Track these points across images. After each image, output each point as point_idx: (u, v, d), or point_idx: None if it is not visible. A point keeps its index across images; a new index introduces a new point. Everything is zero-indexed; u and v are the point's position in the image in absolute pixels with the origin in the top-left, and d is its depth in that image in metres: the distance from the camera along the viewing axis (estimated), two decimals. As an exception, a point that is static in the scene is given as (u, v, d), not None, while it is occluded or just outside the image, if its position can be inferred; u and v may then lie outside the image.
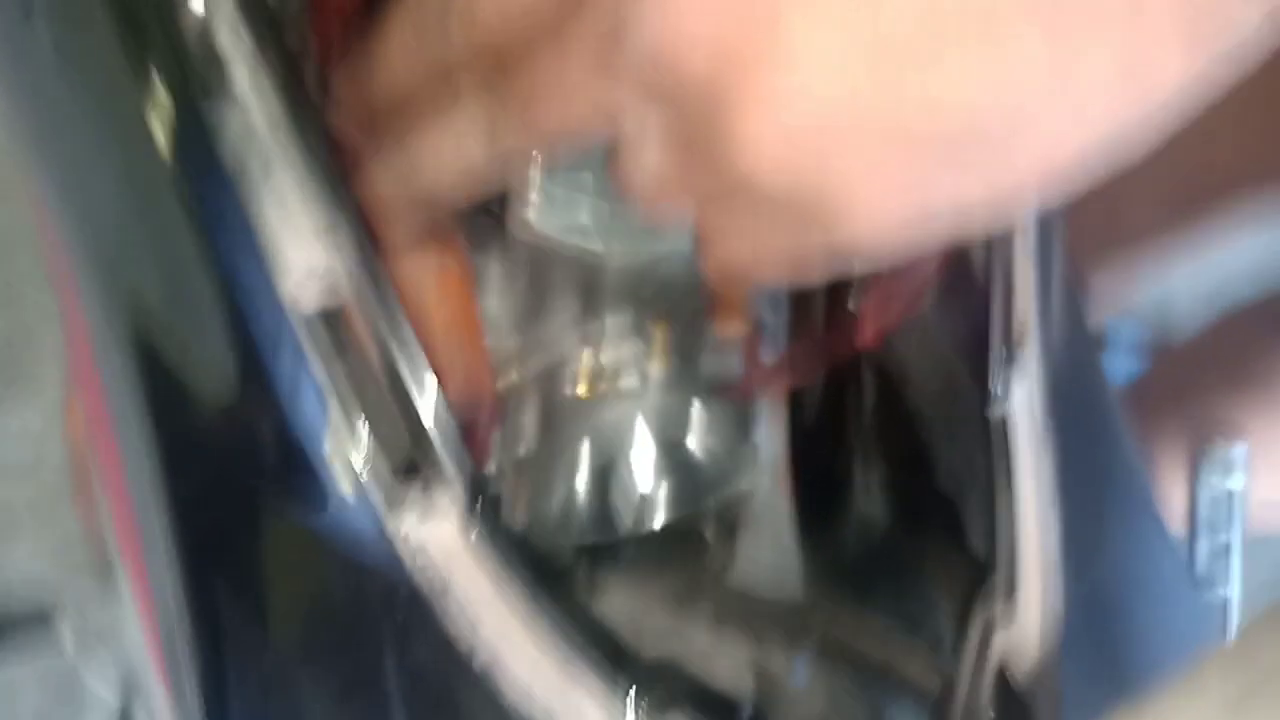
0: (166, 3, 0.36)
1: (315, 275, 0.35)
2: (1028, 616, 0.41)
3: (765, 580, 0.71)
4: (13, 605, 1.15)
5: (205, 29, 0.36)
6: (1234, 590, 0.59)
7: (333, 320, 0.36)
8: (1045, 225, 0.45)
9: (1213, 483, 0.54)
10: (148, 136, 0.37)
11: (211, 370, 0.38)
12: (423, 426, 0.35)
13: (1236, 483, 0.53)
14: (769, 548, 0.74)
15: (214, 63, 0.35)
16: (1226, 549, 0.53)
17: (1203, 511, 0.54)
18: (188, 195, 0.37)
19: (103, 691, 0.94)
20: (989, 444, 0.43)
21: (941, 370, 0.54)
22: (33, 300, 1.22)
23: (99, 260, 0.42)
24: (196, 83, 0.36)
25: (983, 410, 0.43)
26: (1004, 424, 0.42)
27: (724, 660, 0.69)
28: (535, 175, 0.46)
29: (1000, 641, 0.40)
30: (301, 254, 0.35)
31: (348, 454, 0.36)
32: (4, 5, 0.47)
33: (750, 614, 0.61)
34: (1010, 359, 0.42)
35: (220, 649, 0.39)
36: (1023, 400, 0.43)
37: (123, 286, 0.41)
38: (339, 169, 0.36)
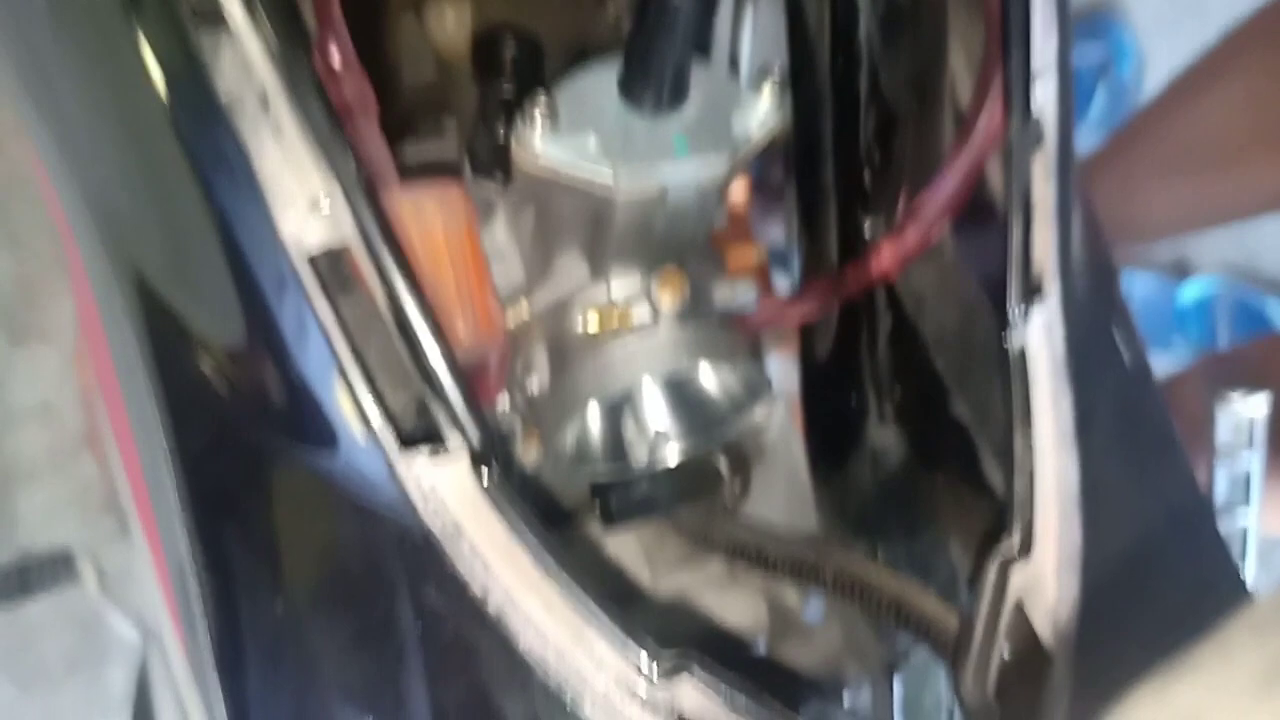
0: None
1: (317, 210, 0.34)
2: (1045, 552, 0.41)
3: (779, 514, 0.71)
4: (35, 547, 1.17)
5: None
6: (1252, 518, 0.58)
7: (335, 260, 0.35)
8: (1065, 158, 0.44)
9: (1233, 410, 0.54)
10: (141, 74, 0.36)
11: (214, 313, 0.37)
12: (431, 367, 0.35)
13: (1256, 410, 0.52)
14: (783, 484, 0.74)
15: (205, -4, 0.34)
16: (1246, 477, 0.53)
17: (1222, 438, 0.53)
18: (184, 133, 0.36)
19: (125, 631, 0.95)
20: (1007, 377, 0.42)
21: (959, 301, 0.53)
22: (44, 244, 1.22)
23: (95, 204, 0.41)
24: (189, 16, 0.35)
25: (1001, 342, 0.42)
26: (1022, 355, 0.41)
27: (737, 593, 0.69)
28: (543, 103, 0.44)
29: (1018, 578, 0.40)
30: (303, 188, 0.34)
31: (356, 396, 0.35)
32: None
33: (764, 549, 0.62)
34: (1029, 287, 0.41)
35: (231, 595, 0.39)
36: (1041, 331, 0.42)
37: (120, 230, 0.40)
38: (339, 106, 0.35)
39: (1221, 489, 0.55)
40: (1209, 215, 1.07)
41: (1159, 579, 0.43)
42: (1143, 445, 0.45)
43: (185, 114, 0.35)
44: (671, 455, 0.57)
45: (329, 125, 0.34)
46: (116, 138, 0.39)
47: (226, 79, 0.34)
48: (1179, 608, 0.40)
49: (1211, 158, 0.98)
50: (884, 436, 0.61)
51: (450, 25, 0.58)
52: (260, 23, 0.34)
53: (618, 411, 0.57)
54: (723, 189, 0.52)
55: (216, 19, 0.34)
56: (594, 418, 0.56)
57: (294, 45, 0.34)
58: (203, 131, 0.35)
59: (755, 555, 0.62)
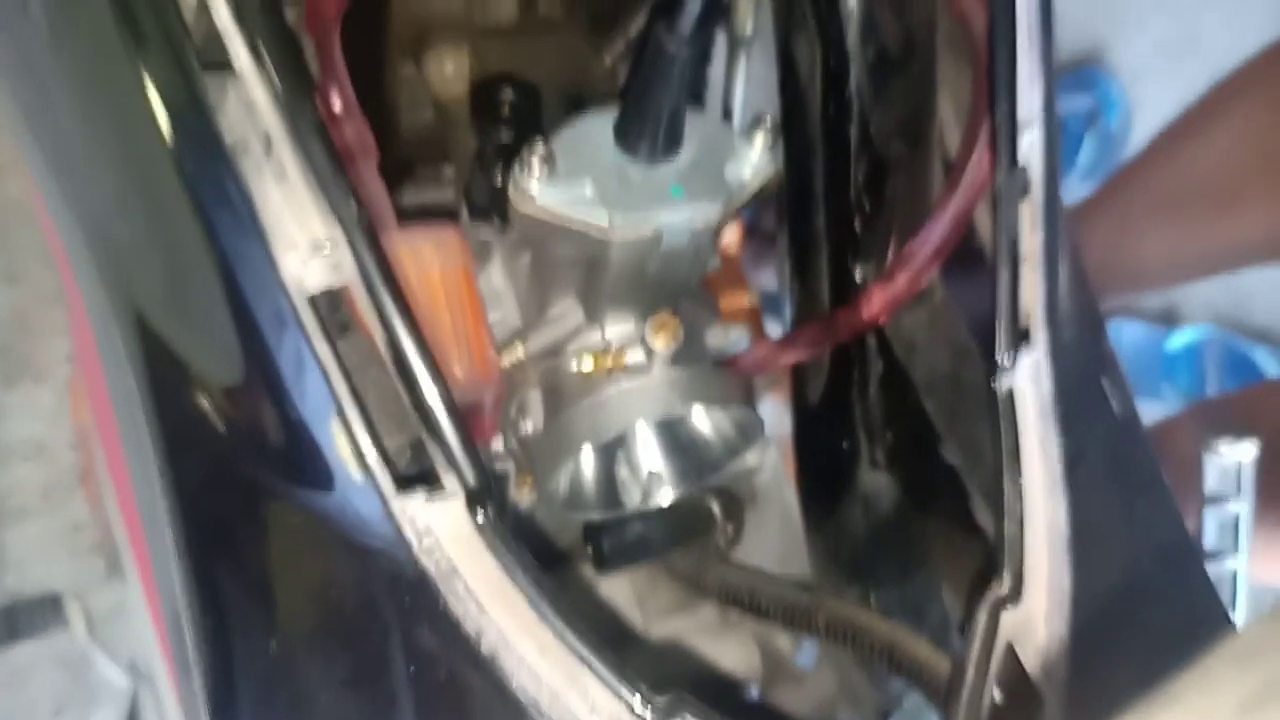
0: (162, -19, 0.36)
1: (318, 252, 0.35)
2: (1035, 595, 0.41)
3: (771, 559, 0.71)
4: (23, 587, 1.16)
5: (203, 5, 0.36)
6: (1242, 562, 0.59)
7: (335, 299, 0.35)
8: (1052, 206, 0.45)
9: (1221, 456, 0.54)
10: (146, 115, 0.37)
11: (213, 351, 0.38)
12: (428, 406, 0.35)
13: (1245, 456, 0.53)
14: (775, 527, 0.74)
15: (213, 39, 0.35)
16: (1235, 521, 0.53)
17: (1211, 485, 0.54)
18: (187, 173, 0.36)
19: (113, 674, 0.94)
20: (996, 420, 0.42)
21: (949, 346, 0.54)
22: (40, 278, 1.22)
23: (96, 241, 0.42)
24: (196, 59, 0.35)
25: (990, 386, 0.43)
26: (1011, 399, 0.42)
27: (730, 638, 0.69)
28: (540, 148, 0.45)
29: (1008, 620, 0.40)
30: (304, 230, 0.35)
31: (353, 435, 0.35)
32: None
33: (756, 593, 0.61)
34: (1017, 332, 0.42)
35: (225, 635, 0.39)
36: (1029, 375, 0.42)
37: (120, 267, 0.41)
38: (341, 149, 0.36)
39: (1211, 535, 0.55)
40: (1200, 262, 1.08)
41: (1147, 619, 0.43)
42: (1131, 488, 0.46)
43: (189, 155, 0.36)
44: (664, 498, 0.57)
45: (331, 169, 0.35)
46: (119, 176, 0.40)
47: (231, 122, 0.35)
48: (1168, 646, 0.40)
49: (1202, 203, 0.99)
50: (875, 480, 0.61)
51: (449, 73, 0.59)
52: (265, 68, 0.35)
53: (611, 454, 0.57)
54: (716, 234, 0.52)
55: (222, 64, 0.35)
56: (587, 460, 0.57)
57: (298, 90, 0.35)
58: (206, 172, 0.36)
59: (748, 600, 0.61)
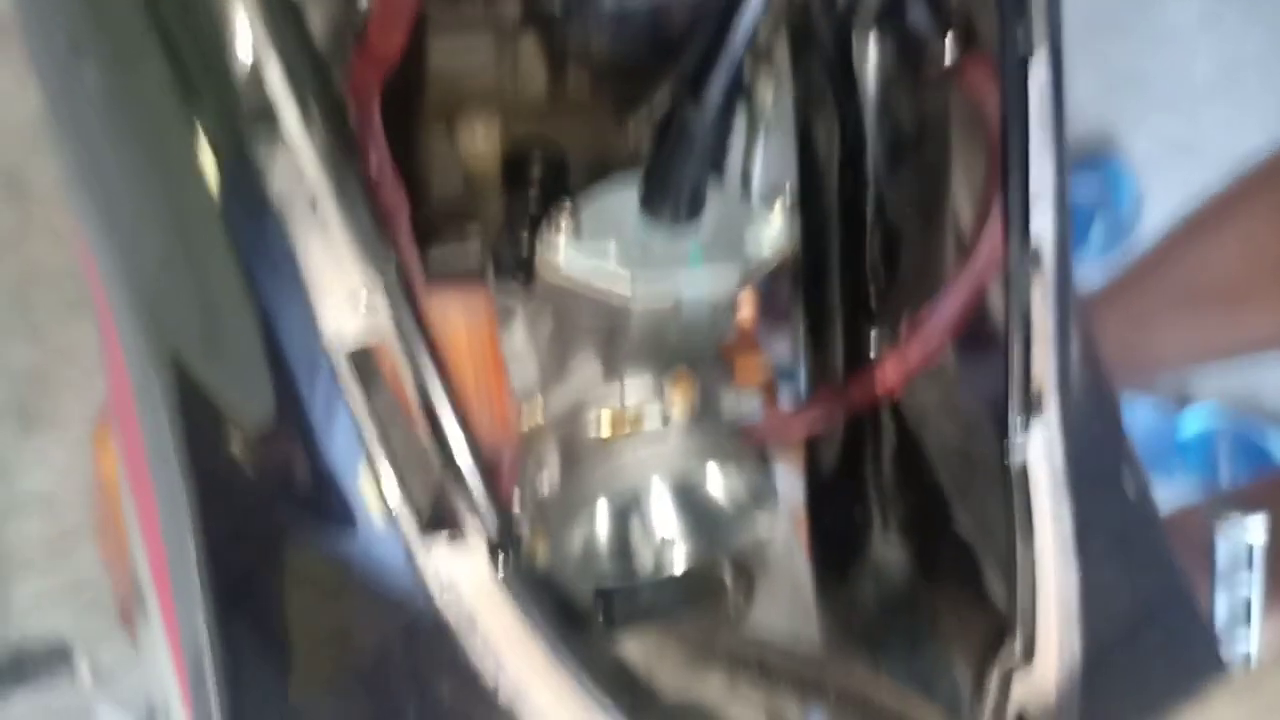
0: (216, 49, 0.38)
1: (356, 304, 0.36)
2: (1046, 665, 0.41)
3: (782, 629, 0.71)
4: (27, 640, 1.15)
5: (255, 74, 0.38)
6: (1254, 645, 0.58)
7: (370, 355, 0.37)
8: (1064, 283, 0.46)
9: (1232, 535, 0.54)
10: (195, 176, 0.39)
11: (248, 398, 0.39)
12: (455, 461, 0.36)
13: (1255, 535, 0.53)
14: (786, 596, 0.74)
15: (263, 106, 0.37)
16: (1246, 601, 0.53)
17: (1222, 563, 0.54)
18: (234, 233, 0.38)
19: (118, 727, 0.93)
20: (1009, 491, 0.43)
21: (962, 419, 0.55)
22: (59, 337, 1.24)
23: (140, 291, 0.43)
24: (246, 125, 0.37)
25: (1002, 459, 0.43)
26: (1023, 470, 0.43)
27: (739, 706, 0.69)
28: (565, 218, 0.47)
29: (1020, 688, 0.40)
30: (343, 283, 0.36)
31: (380, 486, 0.36)
32: (54, 45, 0.49)
33: (766, 663, 0.61)
34: (1029, 404, 0.43)
35: (246, 681, 0.39)
36: (1041, 449, 0.43)
37: (162, 316, 0.42)
38: (380, 210, 0.38)
39: (1222, 615, 0.55)
40: (1214, 350, 1.09)
41: (1156, 689, 0.43)
42: (1140, 559, 0.46)
43: (236, 210, 0.38)
44: (677, 561, 0.58)
45: (373, 226, 0.36)
46: (167, 229, 0.41)
47: (278, 179, 0.37)
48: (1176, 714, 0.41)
49: (1215, 301, 1.00)
50: (887, 551, 0.61)
51: (480, 141, 0.61)
52: (314, 129, 0.36)
53: (625, 515, 0.58)
54: (734, 301, 0.54)
55: (272, 125, 0.37)
56: (602, 520, 0.57)
57: (343, 152, 0.37)
58: (252, 227, 0.37)
59: (757, 668, 0.61)
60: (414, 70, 0.55)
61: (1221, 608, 0.56)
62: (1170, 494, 1.32)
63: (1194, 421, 1.45)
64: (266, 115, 0.37)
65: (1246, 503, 0.80)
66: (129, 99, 0.43)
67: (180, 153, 0.40)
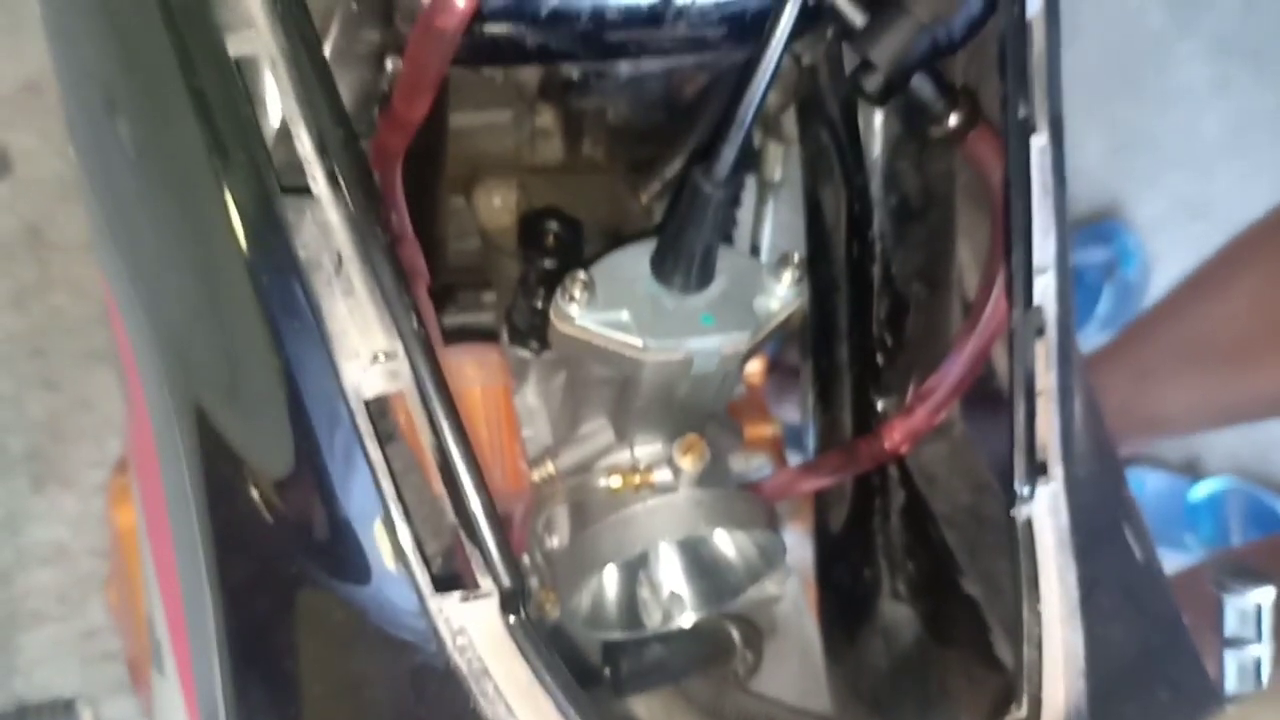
0: (247, 110, 0.40)
1: (377, 363, 0.37)
2: (1053, 723, 0.41)
3: (790, 689, 0.71)
4: (31, 693, 1.15)
5: (285, 136, 0.39)
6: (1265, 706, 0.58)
7: (387, 407, 0.38)
8: (1066, 346, 0.47)
9: (1241, 599, 0.54)
10: (224, 232, 0.40)
11: (269, 449, 0.40)
12: (469, 510, 0.37)
13: (1265, 597, 0.53)
14: (795, 656, 0.74)
15: (294, 165, 0.38)
16: (1256, 664, 0.53)
17: (1230, 628, 0.54)
18: (261, 284, 0.39)
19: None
20: (1015, 551, 0.44)
21: (969, 479, 0.56)
22: (75, 385, 1.26)
23: (166, 343, 0.44)
24: (276, 182, 0.39)
25: (1008, 517, 0.44)
26: (1029, 530, 0.43)
27: (747, 769, 0.68)
28: (581, 276, 0.48)
29: (1026, 748, 0.40)
30: (366, 341, 0.38)
31: (396, 533, 0.37)
32: (90, 102, 0.51)
33: (774, 724, 0.61)
34: (1034, 465, 0.44)
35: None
36: (1046, 507, 0.44)
37: (188, 368, 0.43)
38: (401, 270, 0.39)
39: (1231, 678, 0.55)
40: (1219, 412, 1.09)
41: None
42: (1146, 618, 0.47)
43: (263, 268, 0.39)
44: (685, 620, 0.58)
45: (396, 287, 0.37)
46: (196, 284, 0.43)
47: (305, 240, 0.38)
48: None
49: (1220, 359, 1.01)
50: (896, 611, 0.62)
51: (497, 206, 0.63)
52: (341, 193, 0.38)
53: (634, 573, 0.58)
54: (743, 362, 0.55)
55: (301, 188, 0.38)
56: (610, 578, 0.58)
57: (369, 214, 0.38)
58: (278, 284, 0.39)
59: (765, 729, 0.61)
60: (436, 137, 0.57)
61: (1231, 669, 0.56)
62: (1181, 563, 1.31)
63: (1204, 490, 1.44)
64: (295, 176, 0.39)
65: (1253, 561, 0.80)
66: (161, 156, 0.45)
67: (209, 209, 0.41)
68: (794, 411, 0.86)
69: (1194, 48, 1.55)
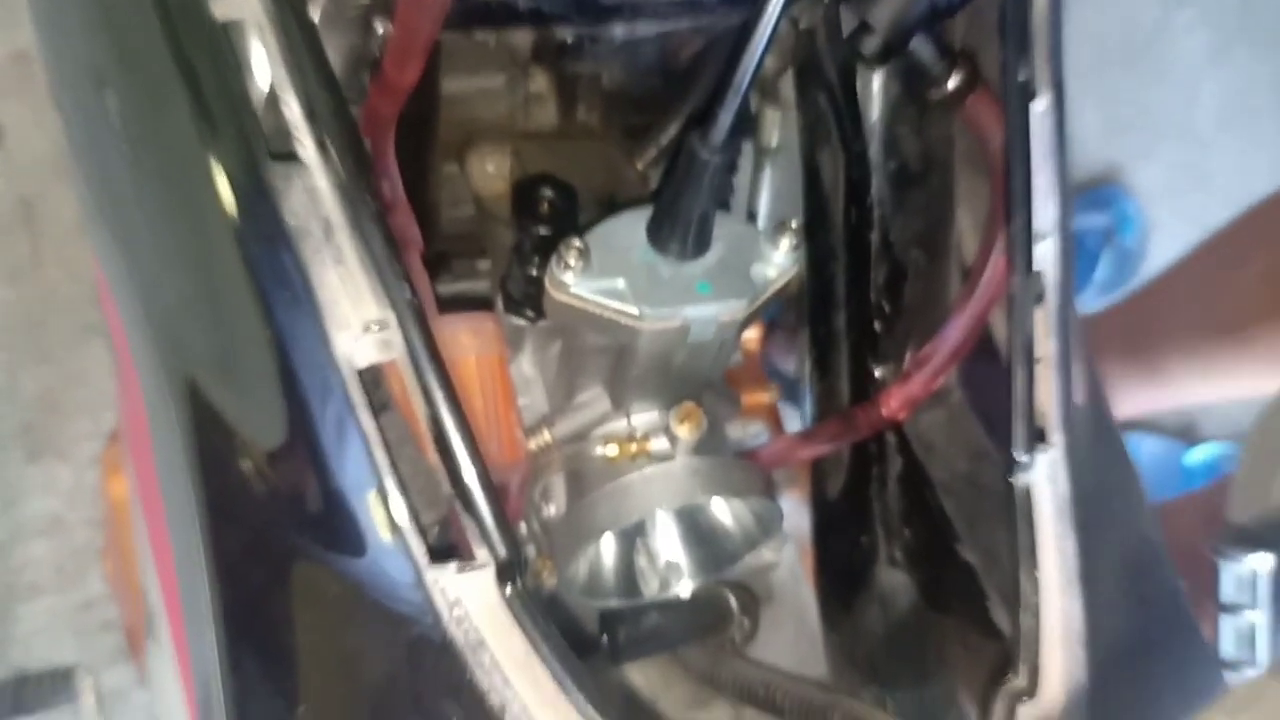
0: (235, 80, 0.39)
1: (369, 330, 0.37)
2: (1050, 693, 0.41)
3: (787, 657, 0.71)
4: (30, 664, 1.15)
5: (273, 104, 0.39)
6: (1262, 672, 0.58)
7: (380, 376, 0.37)
8: (1065, 312, 0.46)
9: (1237, 566, 0.54)
10: (213, 203, 0.40)
11: (261, 421, 0.40)
12: (464, 480, 0.37)
13: (1262, 564, 0.53)
14: (792, 625, 0.74)
15: (282, 132, 0.38)
16: (1251, 632, 0.53)
17: (1227, 595, 0.54)
18: (250, 253, 0.39)
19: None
20: (1013, 519, 0.43)
21: (967, 447, 0.55)
22: (69, 360, 1.25)
23: (156, 316, 0.44)
24: (264, 149, 0.38)
25: (1007, 485, 0.44)
26: (1028, 497, 0.43)
27: (744, 736, 0.68)
28: (576, 243, 0.47)
29: (1024, 715, 0.40)
30: (357, 309, 0.37)
31: (390, 503, 0.37)
32: (78, 77, 0.50)
33: (772, 692, 0.61)
34: (1033, 432, 0.43)
35: (256, 700, 0.40)
36: (1046, 472, 0.44)
37: (179, 340, 0.43)
38: (393, 239, 0.38)
39: (1228, 644, 0.55)
40: (1223, 382, 1.09)
41: (1160, 714, 0.43)
42: (1144, 585, 0.47)
43: (252, 237, 0.39)
44: (682, 588, 0.58)
45: (387, 255, 0.37)
46: (185, 255, 0.42)
47: (294, 208, 0.38)
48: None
49: (1232, 326, 1.01)
50: (893, 579, 0.62)
51: (491, 173, 0.62)
52: (330, 160, 0.37)
53: (631, 541, 0.58)
54: (740, 330, 0.54)
55: (289, 154, 0.38)
56: (607, 546, 0.58)
57: (359, 181, 0.37)
58: (267, 253, 0.38)
59: (763, 699, 0.61)
60: (427, 102, 0.56)
61: (1228, 635, 0.56)
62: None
63: (1201, 454, 1.45)
64: (284, 143, 0.38)
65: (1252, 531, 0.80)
66: (150, 128, 0.44)
67: (199, 181, 0.40)
68: (792, 376, 0.86)
69: (1191, 17, 1.54)
